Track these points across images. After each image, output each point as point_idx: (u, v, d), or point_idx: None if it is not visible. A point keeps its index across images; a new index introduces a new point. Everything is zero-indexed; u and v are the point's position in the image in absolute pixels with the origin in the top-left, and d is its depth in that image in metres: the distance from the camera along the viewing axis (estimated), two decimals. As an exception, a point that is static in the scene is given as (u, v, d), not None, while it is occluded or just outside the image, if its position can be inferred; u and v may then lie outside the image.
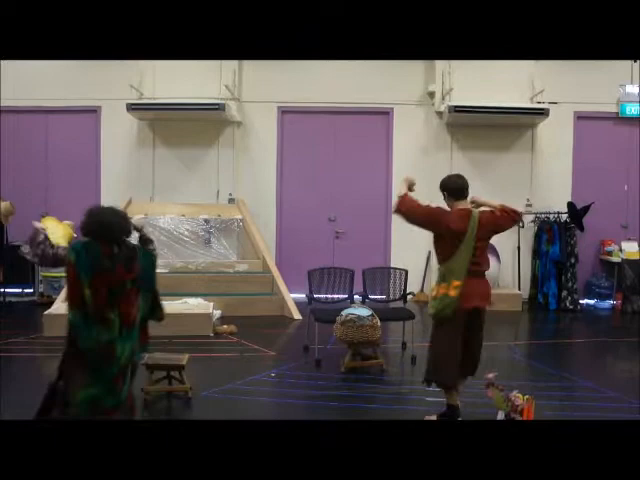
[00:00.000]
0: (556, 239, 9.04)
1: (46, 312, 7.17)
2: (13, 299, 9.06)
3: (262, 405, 4.92)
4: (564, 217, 9.19)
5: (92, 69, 9.33)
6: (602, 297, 9.38)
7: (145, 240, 3.88)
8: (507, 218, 4.42)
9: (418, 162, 9.54)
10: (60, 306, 7.50)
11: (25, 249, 3.72)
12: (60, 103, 9.60)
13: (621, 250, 9.39)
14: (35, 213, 9.02)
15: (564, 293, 9.04)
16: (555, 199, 9.41)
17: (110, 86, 9.38)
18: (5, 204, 8.68)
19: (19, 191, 9.40)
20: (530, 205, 9.57)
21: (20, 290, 9.30)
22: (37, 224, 3.74)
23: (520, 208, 9.09)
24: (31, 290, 9.15)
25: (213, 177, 9.73)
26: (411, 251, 9.41)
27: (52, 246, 3.62)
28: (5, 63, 9.23)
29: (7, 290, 8.63)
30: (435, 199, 4.49)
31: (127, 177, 9.70)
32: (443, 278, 4.28)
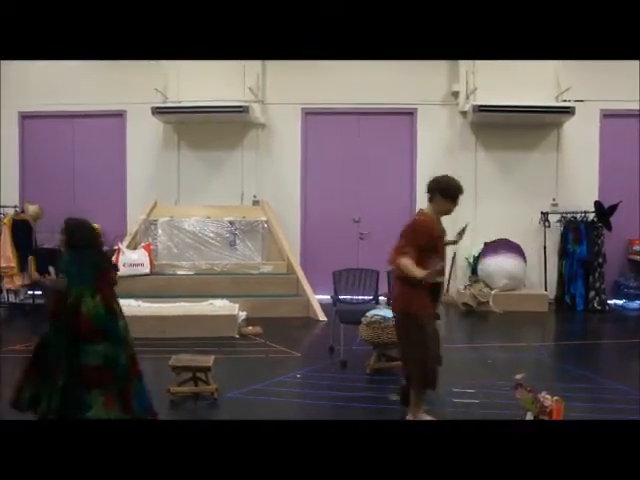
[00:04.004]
0: (583, 239, 8.92)
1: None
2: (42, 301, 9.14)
3: (287, 406, 4.93)
4: (591, 216, 9.07)
5: (117, 74, 9.41)
6: (630, 297, 9.23)
7: None
8: None
9: (442, 162, 9.47)
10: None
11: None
12: (86, 107, 9.71)
13: (649, 249, 9.24)
14: (62, 216, 9.18)
15: (591, 293, 8.91)
16: (582, 198, 9.27)
17: (135, 90, 9.46)
18: (34, 207, 8.85)
19: (47, 195, 9.56)
20: (556, 205, 9.44)
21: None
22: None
23: (546, 208, 9.15)
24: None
25: (237, 179, 9.77)
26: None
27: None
28: (32, 69, 9.41)
29: (37, 292, 8.72)
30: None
31: (152, 180, 9.79)
32: None
